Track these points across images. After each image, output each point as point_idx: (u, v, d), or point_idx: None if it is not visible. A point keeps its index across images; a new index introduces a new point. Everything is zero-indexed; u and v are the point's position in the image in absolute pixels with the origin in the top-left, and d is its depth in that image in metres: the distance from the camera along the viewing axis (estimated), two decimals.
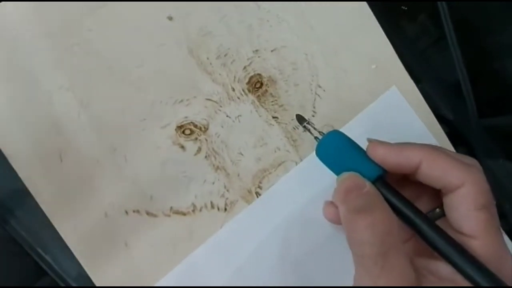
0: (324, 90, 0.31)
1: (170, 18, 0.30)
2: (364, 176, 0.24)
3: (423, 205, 0.26)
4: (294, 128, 0.31)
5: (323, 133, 0.27)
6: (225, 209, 0.29)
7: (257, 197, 0.30)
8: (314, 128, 0.29)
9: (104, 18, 0.29)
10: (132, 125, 0.29)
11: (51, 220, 0.27)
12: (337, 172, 0.26)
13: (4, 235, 0.28)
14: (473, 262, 0.22)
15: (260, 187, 0.30)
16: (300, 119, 0.30)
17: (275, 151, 0.30)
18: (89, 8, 0.29)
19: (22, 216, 0.28)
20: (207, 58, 0.30)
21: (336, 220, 0.27)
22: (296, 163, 0.30)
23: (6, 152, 0.28)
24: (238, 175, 0.30)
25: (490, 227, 0.22)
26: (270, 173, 0.30)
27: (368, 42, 0.32)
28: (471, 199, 0.23)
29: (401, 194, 0.24)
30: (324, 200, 0.28)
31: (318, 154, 0.27)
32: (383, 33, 0.32)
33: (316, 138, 0.28)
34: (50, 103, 0.28)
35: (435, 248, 0.23)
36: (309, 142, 0.31)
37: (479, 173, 0.23)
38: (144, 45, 0.30)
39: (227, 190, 0.29)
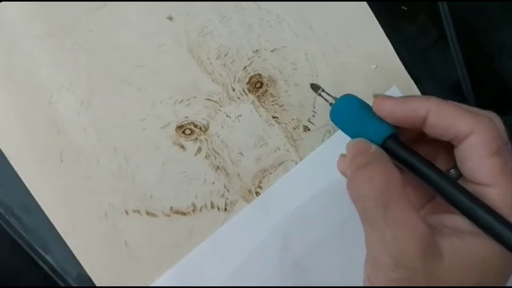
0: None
1: (170, 18, 0.30)
2: (374, 135, 0.24)
3: (439, 166, 0.25)
4: (294, 128, 0.31)
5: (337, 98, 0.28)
6: (225, 209, 0.29)
7: (257, 197, 0.30)
8: (329, 95, 0.29)
9: (104, 18, 0.29)
10: (132, 125, 0.29)
11: (51, 220, 0.27)
12: (350, 134, 0.26)
13: (4, 235, 0.28)
14: (489, 212, 0.21)
15: (260, 187, 0.30)
16: (315, 87, 0.30)
17: (275, 151, 0.30)
18: (89, 8, 0.29)
19: (22, 216, 0.28)
20: (207, 58, 0.30)
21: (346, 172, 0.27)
22: (296, 163, 0.30)
23: (6, 152, 0.28)
24: (238, 175, 0.30)
25: (506, 173, 0.22)
26: (270, 173, 0.30)
27: (368, 42, 0.32)
28: (482, 146, 0.22)
29: (413, 150, 0.24)
30: (324, 199, 0.28)
31: (332, 118, 0.27)
32: (383, 33, 0.32)
33: (331, 104, 0.28)
34: (50, 103, 0.28)
35: (449, 200, 0.23)
36: (309, 142, 0.31)
37: (489, 120, 0.23)
38: (144, 45, 0.30)
39: (227, 190, 0.29)
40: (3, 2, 0.28)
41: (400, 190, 0.22)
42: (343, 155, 0.26)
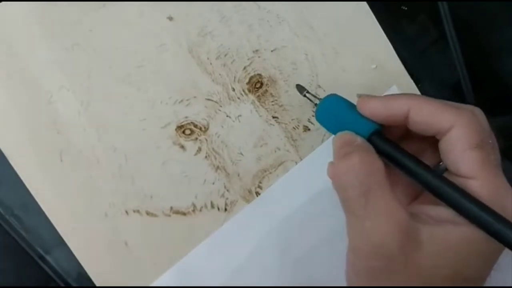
0: (324, 90, 0.31)
1: (170, 18, 0.30)
2: (359, 132, 0.25)
3: (426, 161, 0.25)
4: (294, 128, 0.31)
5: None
6: (225, 209, 0.29)
7: (257, 197, 0.30)
8: (314, 96, 0.29)
9: (104, 18, 0.29)
10: (132, 125, 0.29)
11: (51, 220, 0.27)
12: (336, 133, 0.26)
13: (4, 235, 0.28)
14: (472, 201, 0.22)
15: (260, 187, 0.30)
16: (300, 88, 0.30)
17: (275, 151, 0.30)
18: (89, 8, 0.29)
19: (22, 216, 0.28)
20: (207, 58, 0.30)
21: None
22: (296, 163, 0.30)
23: (6, 152, 0.28)
24: (238, 175, 0.30)
25: (487, 165, 0.22)
26: (270, 173, 0.30)
27: (368, 42, 0.32)
28: (463, 139, 0.22)
29: (398, 145, 0.25)
30: (324, 199, 0.28)
31: (317, 118, 0.28)
32: (383, 33, 0.32)
33: (316, 105, 0.29)
34: (50, 103, 0.28)
35: (432, 191, 0.23)
36: (309, 142, 0.31)
37: (470, 114, 0.23)
38: (144, 45, 0.30)
39: (227, 190, 0.29)
40: (3, 2, 0.28)
41: (381, 179, 0.23)
42: (331, 163, 0.27)
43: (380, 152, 0.25)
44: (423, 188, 0.24)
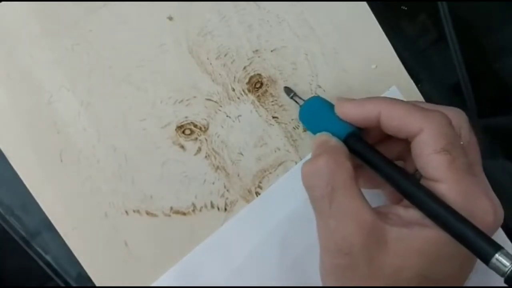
0: (324, 90, 0.31)
1: (170, 18, 0.30)
2: (336, 134, 0.26)
3: (409, 164, 0.26)
4: (294, 128, 0.31)
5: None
6: (225, 209, 0.29)
7: (257, 197, 0.30)
8: (300, 98, 0.30)
9: (104, 18, 0.29)
10: (132, 125, 0.29)
11: (51, 220, 0.27)
12: (316, 133, 0.27)
13: (4, 235, 0.28)
14: (437, 202, 0.22)
15: (260, 187, 0.30)
16: (288, 91, 0.30)
17: (275, 151, 0.30)
18: (89, 8, 0.29)
19: (22, 216, 0.28)
20: (207, 58, 0.30)
21: None
22: (296, 163, 0.30)
23: (6, 152, 0.28)
24: (238, 175, 0.30)
25: (455, 169, 0.22)
26: (270, 173, 0.30)
27: (368, 42, 0.32)
28: (430, 143, 0.23)
29: (372, 147, 0.25)
30: None
31: (300, 118, 0.30)
32: (383, 33, 0.32)
33: (300, 106, 0.29)
34: (50, 103, 0.28)
35: (401, 191, 0.23)
36: (309, 142, 0.31)
37: (439, 116, 0.23)
38: (144, 45, 0.30)
39: (227, 190, 0.29)
40: (3, 2, 0.28)
41: (347, 180, 0.23)
42: (304, 163, 0.27)
43: (355, 154, 0.25)
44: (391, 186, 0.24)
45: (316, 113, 0.28)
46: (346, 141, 0.26)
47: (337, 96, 0.27)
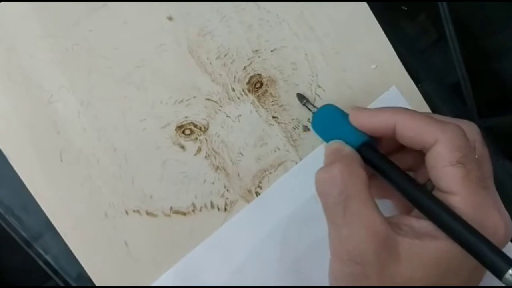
0: (324, 90, 0.31)
1: (170, 18, 0.30)
2: (349, 142, 0.26)
3: (421, 175, 0.26)
4: (294, 128, 0.31)
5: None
6: (225, 209, 0.29)
7: (257, 197, 0.30)
8: (313, 105, 0.30)
9: (104, 18, 0.29)
10: (132, 125, 0.29)
11: (51, 220, 0.27)
12: (329, 141, 0.27)
13: (4, 235, 0.28)
14: (450, 214, 0.22)
15: (260, 187, 0.30)
16: (300, 97, 0.30)
17: (275, 151, 0.30)
18: (89, 8, 0.29)
19: (22, 216, 0.28)
20: (207, 58, 0.30)
21: None
22: (296, 163, 0.30)
23: (6, 152, 0.28)
24: (238, 175, 0.30)
25: (469, 182, 0.22)
26: (270, 173, 0.30)
27: (368, 42, 0.32)
28: (445, 155, 0.23)
29: (385, 156, 0.25)
30: None
31: (313, 127, 0.30)
32: (383, 33, 0.32)
33: (313, 113, 0.30)
34: (50, 103, 0.28)
35: (413, 202, 0.23)
36: (309, 142, 0.31)
37: (455, 129, 0.23)
38: (144, 45, 0.30)
39: (227, 190, 0.29)
40: (3, 2, 0.28)
41: (361, 189, 0.23)
42: (318, 170, 0.27)
43: (368, 163, 0.25)
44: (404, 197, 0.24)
45: (329, 120, 0.28)
46: (359, 150, 0.25)
47: (351, 106, 0.27)
